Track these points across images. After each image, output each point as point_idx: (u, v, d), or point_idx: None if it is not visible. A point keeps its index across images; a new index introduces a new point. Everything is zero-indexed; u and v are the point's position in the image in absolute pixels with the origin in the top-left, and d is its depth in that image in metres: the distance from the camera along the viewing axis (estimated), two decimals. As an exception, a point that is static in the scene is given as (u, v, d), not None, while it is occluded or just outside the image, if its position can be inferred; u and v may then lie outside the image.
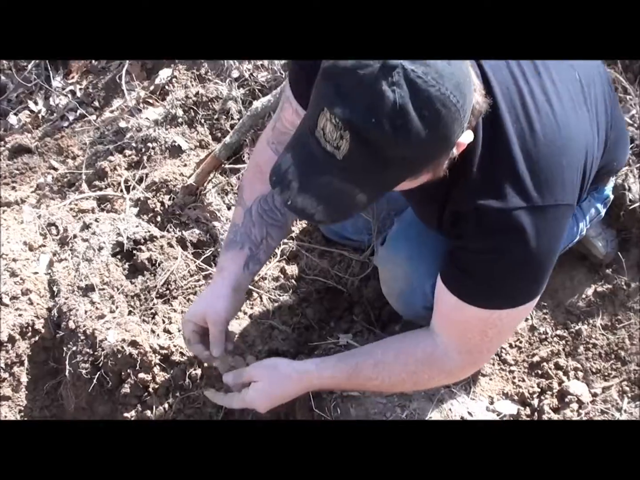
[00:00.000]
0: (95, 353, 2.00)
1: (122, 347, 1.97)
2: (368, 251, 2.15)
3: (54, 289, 2.15)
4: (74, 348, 2.03)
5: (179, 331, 2.07)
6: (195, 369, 2.00)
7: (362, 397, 1.83)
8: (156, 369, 1.99)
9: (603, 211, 1.87)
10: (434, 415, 1.80)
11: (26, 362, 2.13)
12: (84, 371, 1.99)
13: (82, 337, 2.02)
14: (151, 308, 2.13)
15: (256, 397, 1.68)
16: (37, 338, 2.13)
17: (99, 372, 1.99)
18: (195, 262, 2.24)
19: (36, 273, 2.18)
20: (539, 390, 2.00)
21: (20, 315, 2.09)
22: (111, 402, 2.05)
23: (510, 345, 2.10)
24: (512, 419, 1.91)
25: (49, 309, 2.14)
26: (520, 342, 2.11)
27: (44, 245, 2.26)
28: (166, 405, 1.99)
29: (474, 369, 1.71)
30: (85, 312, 2.05)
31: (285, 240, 2.33)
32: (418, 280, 1.74)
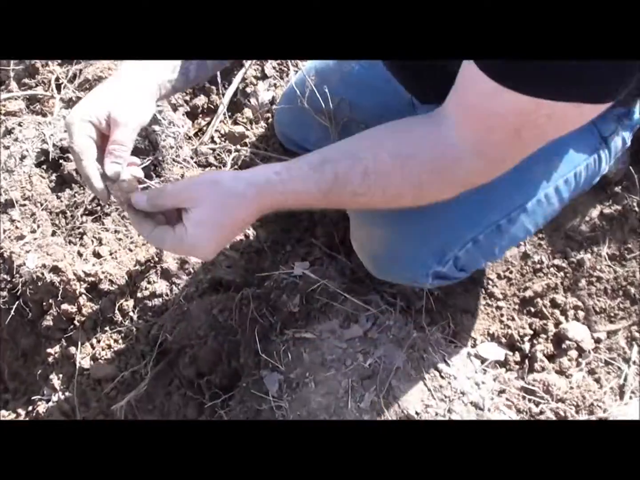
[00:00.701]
0: (13, 280, 1.81)
1: (43, 274, 1.78)
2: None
3: (-30, 203, 1.99)
4: (-9, 273, 1.89)
5: (110, 254, 1.90)
6: (126, 299, 1.82)
7: (317, 340, 1.64)
8: (82, 299, 1.81)
9: (629, 140, 1.57)
10: (403, 365, 1.60)
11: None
12: (0, 300, 1.86)
13: (0, 261, 1.88)
14: (79, 227, 1.91)
15: (199, 235, 1.18)
16: (-49, 257, 1.98)
17: (17, 302, 1.86)
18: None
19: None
20: (532, 332, 1.76)
21: None
22: (34, 335, 1.87)
23: (499, 276, 1.86)
24: (497, 366, 1.71)
25: (-33, 225, 1.99)
26: (511, 273, 1.85)
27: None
28: (94, 341, 1.83)
29: (483, 181, 1.28)
30: (4, 231, 1.87)
31: (238, 147, 2.11)
32: (404, 248, 1.50)
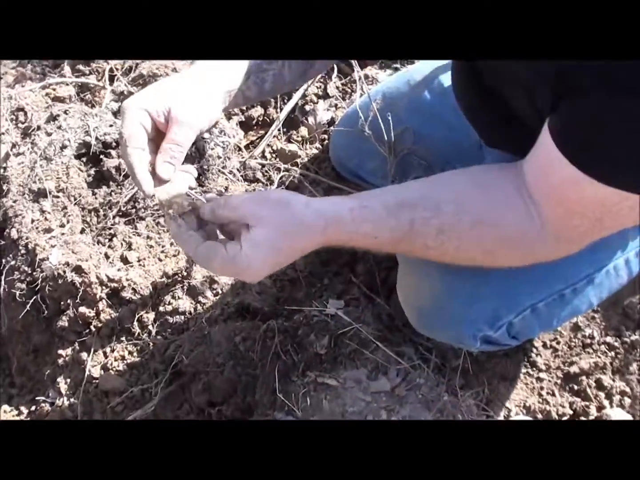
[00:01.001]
0: (34, 273, 1.77)
1: (64, 272, 1.73)
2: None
3: (4, 187, 1.93)
4: (12, 262, 1.82)
5: (138, 261, 1.85)
6: (147, 312, 1.76)
7: (340, 389, 1.56)
8: (101, 304, 1.75)
9: None
10: (430, 428, 1.50)
11: (-41, 268, 1.95)
12: (18, 292, 1.81)
13: (23, 252, 1.80)
14: (110, 228, 1.85)
15: (255, 256, 1.06)
16: (-23, 242, 1.94)
17: (35, 297, 1.82)
18: (172, 178, 1.95)
19: (-13, 165, 1.97)
20: (571, 412, 1.64)
21: (-40, 212, 1.91)
22: (49, 332, 1.82)
23: (544, 345, 1.74)
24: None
25: (-5, 211, 1.95)
26: (558, 343, 1.74)
27: (5, 133, 2.00)
28: (107, 350, 1.77)
29: (557, 258, 1.22)
30: (32, 221, 1.82)
31: (288, 167, 2.05)
32: (454, 305, 1.42)
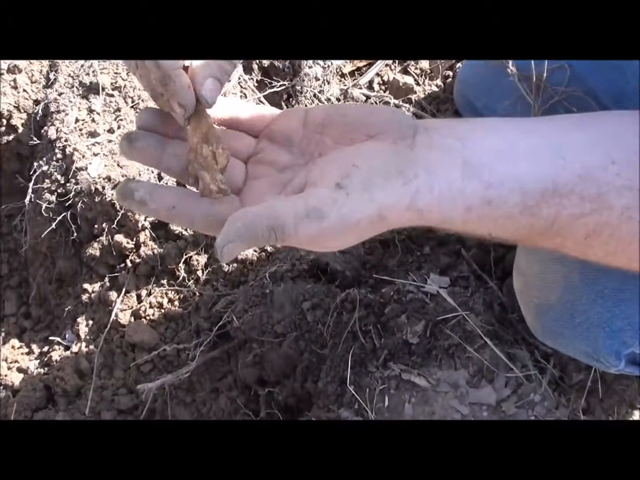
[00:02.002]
0: (67, 185, 1.47)
1: (104, 188, 1.42)
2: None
3: (51, 75, 1.63)
4: (45, 168, 1.52)
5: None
6: (198, 253, 1.44)
7: (430, 391, 1.22)
8: (143, 235, 1.44)
9: None
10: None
11: (-11, 166, 1.65)
12: (45, 205, 1.50)
13: (59, 156, 1.49)
14: (169, 143, 1.55)
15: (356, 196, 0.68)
16: (10, 137, 1.61)
17: (64, 213, 1.50)
18: (256, 94, 1.60)
19: (37, 46, 1.67)
20: None
21: (-6, 97, 1.60)
22: (77, 259, 1.54)
23: None
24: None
25: (36, 102, 1.64)
26: None
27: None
28: (143, 293, 1.46)
29: None
30: (76, 121, 1.51)
31: (399, 103, 1.67)
32: (594, 308, 1.08)
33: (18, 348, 1.59)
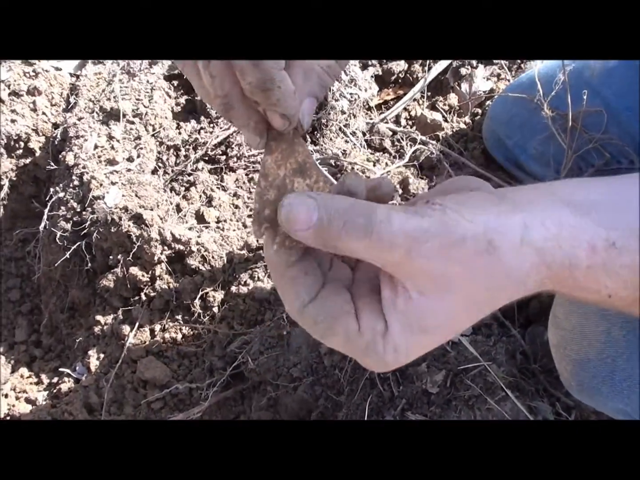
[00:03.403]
0: (83, 213, 1.47)
1: (121, 219, 1.42)
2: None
3: (72, 99, 1.64)
4: (61, 194, 1.52)
5: (217, 222, 1.51)
6: (215, 290, 1.44)
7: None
8: (159, 269, 1.45)
9: None
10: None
11: (5, 189, 1.64)
12: (60, 233, 1.50)
13: (76, 183, 1.50)
14: (190, 174, 1.53)
15: (409, 345, 0.64)
16: (27, 161, 1.62)
17: (79, 242, 1.50)
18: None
19: (59, 69, 1.67)
20: None
21: (13, 121, 1.59)
22: (90, 290, 1.54)
23: None
24: None
25: (55, 126, 1.64)
26: None
27: (89, 35, 1.73)
28: (156, 327, 1.46)
29: None
30: (95, 147, 1.52)
31: (425, 139, 1.66)
32: (632, 362, 1.04)
33: (27, 377, 1.58)
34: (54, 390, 1.51)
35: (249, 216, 1.51)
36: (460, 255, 0.60)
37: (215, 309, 1.43)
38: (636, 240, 0.65)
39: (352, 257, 0.68)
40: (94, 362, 1.47)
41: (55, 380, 1.54)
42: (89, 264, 1.48)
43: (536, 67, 1.55)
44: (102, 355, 1.48)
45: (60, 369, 1.53)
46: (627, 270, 0.66)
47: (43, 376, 1.57)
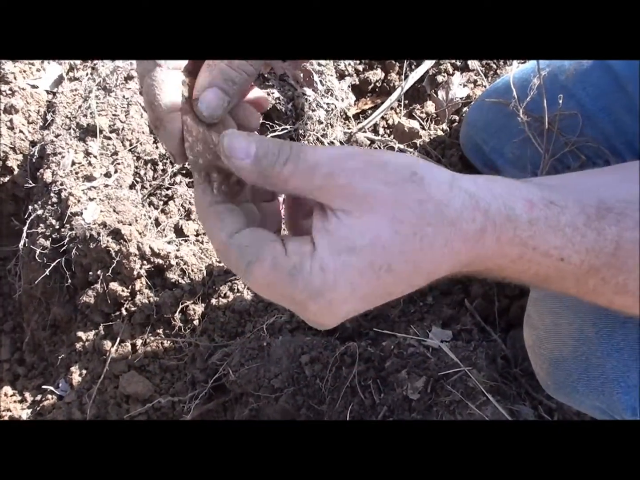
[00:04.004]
0: (62, 230, 1.47)
1: (99, 235, 1.42)
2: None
3: (49, 116, 1.64)
4: (40, 212, 1.52)
5: (196, 236, 1.51)
6: (195, 303, 1.43)
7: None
8: (139, 284, 1.45)
9: None
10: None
11: (-16, 209, 1.66)
12: (39, 250, 1.50)
13: (54, 200, 1.50)
14: (167, 188, 1.54)
15: (340, 274, 0.62)
16: (6, 179, 1.62)
17: (59, 259, 1.50)
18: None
19: (35, 87, 1.67)
20: None
21: (-9, 140, 1.61)
22: (71, 306, 1.53)
23: None
24: None
25: (33, 144, 1.65)
26: None
27: (66, 52, 1.74)
28: (138, 342, 1.46)
29: None
30: (73, 163, 1.52)
31: (403, 147, 1.66)
32: (609, 363, 1.05)
33: (11, 396, 1.58)
34: (38, 408, 1.50)
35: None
36: (383, 175, 0.61)
37: (196, 322, 1.44)
38: (573, 202, 0.68)
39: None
40: (76, 379, 1.47)
41: (38, 397, 1.54)
42: (69, 281, 1.47)
43: (511, 72, 1.56)
44: (84, 371, 1.47)
45: (44, 387, 1.52)
46: (573, 230, 0.67)
47: (27, 394, 1.56)
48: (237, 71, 0.71)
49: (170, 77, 0.71)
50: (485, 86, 1.81)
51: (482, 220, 0.63)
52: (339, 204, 0.61)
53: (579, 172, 0.80)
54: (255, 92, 0.80)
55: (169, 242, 1.48)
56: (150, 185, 1.55)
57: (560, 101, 1.38)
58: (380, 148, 1.70)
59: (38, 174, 1.56)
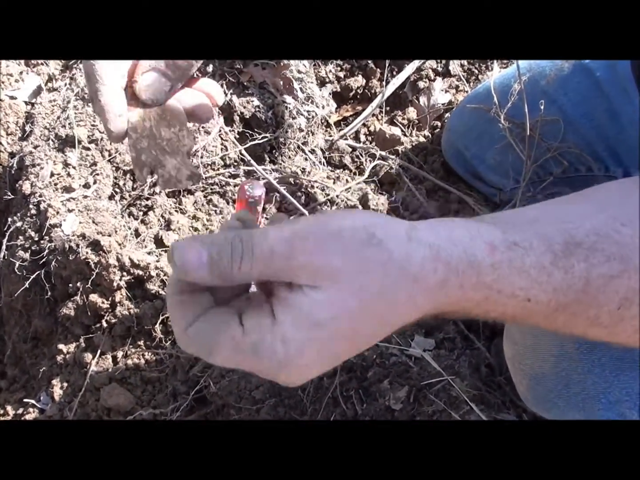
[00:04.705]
0: (41, 242, 1.45)
1: (78, 246, 1.40)
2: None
3: (27, 127, 1.62)
4: (19, 224, 1.50)
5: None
6: (177, 314, 1.43)
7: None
8: (119, 295, 1.42)
9: None
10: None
11: (-38, 221, 1.63)
12: (19, 263, 1.47)
13: (33, 212, 1.48)
14: (147, 198, 1.51)
15: (303, 346, 0.60)
16: (-15, 191, 1.62)
17: (39, 272, 1.48)
18: (237, 147, 1.58)
19: (14, 98, 1.65)
20: None
21: (-31, 150, 1.58)
22: (53, 319, 1.51)
23: None
24: None
25: (12, 155, 1.62)
26: None
27: (44, 64, 1.72)
28: (119, 354, 1.44)
29: None
30: (52, 175, 1.51)
31: (385, 154, 1.66)
32: (586, 376, 1.04)
33: (-8, 410, 1.56)
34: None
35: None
36: (341, 246, 0.60)
37: (178, 334, 1.41)
38: (538, 241, 0.65)
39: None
40: (57, 392, 1.44)
41: (20, 411, 1.51)
42: (49, 293, 1.45)
43: (492, 77, 1.55)
44: (65, 385, 1.45)
45: (25, 400, 1.50)
46: (539, 270, 0.65)
47: (9, 408, 1.53)
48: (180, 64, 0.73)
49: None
50: (467, 91, 1.80)
51: (444, 270, 0.61)
52: (304, 281, 0.60)
53: (546, 203, 0.78)
54: (210, 86, 0.81)
55: (149, 253, 1.46)
56: (130, 196, 1.52)
57: (542, 107, 1.37)
58: (362, 155, 1.68)
59: (17, 185, 1.53)
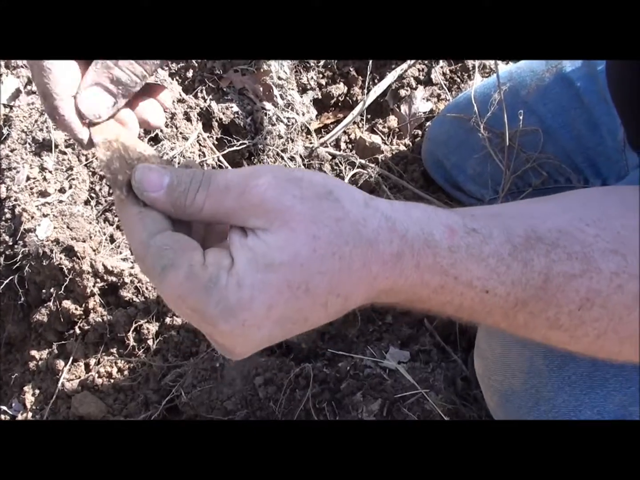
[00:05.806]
0: (15, 247, 1.41)
1: (52, 251, 1.36)
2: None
3: (4, 130, 1.57)
4: (-7, 228, 1.47)
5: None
6: (149, 322, 1.38)
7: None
8: (92, 302, 1.38)
9: None
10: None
11: (-61, 226, 1.59)
12: (-7, 266, 1.44)
13: (8, 216, 1.44)
14: (123, 204, 1.49)
15: (256, 289, 0.56)
16: (-39, 196, 1.58)
17: (12, 277, 1.44)
18: (215, 153, 1.55)
19: (-9, 101, 1.61)
20: None
21: (-55, 155, 1.54)
22: (26, 324, 1.47)
23: None
24: None
25: (-12, 159, 1.58)
26: None
27: (24, 67, 1.68)
28: (91, 362, 1.40)
29: None
30: (28, 179, 1.47)
31: (365, 162, 1.62)
32: (559, 392, 1.00)
33: (-37, 415, 1.52)
34: (-10, 428, 1.44)
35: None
36: (298, 191, 0.58)
37: (150, 341, 1.37)
38: (497, 231, 0.64)
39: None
40: (29, 399, 1.41)
41: (-8, 416, 1.48)
42: (23, 298, 1.41)
43: (473, 87, 1.52)
44: (37, 391, 1.41)
45: (-3, 406, 1.47)
46: (497, 260, 0.63)
47: (-19, 413, 1.51)
48: (125, 72, 0.67)
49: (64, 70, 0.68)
50: (448, 100, 1.76)
51: (400, 243, 0.59)
52: (253, 223, 0.58)
53: (510, 202, 0.77)
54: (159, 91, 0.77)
55: (124, 259, 1.42)
56: (106, 201, 1.48)
57: (521, 117, 1.34)
58: (341, 163, 1.65)
59: (-7, 188, 1.50)
